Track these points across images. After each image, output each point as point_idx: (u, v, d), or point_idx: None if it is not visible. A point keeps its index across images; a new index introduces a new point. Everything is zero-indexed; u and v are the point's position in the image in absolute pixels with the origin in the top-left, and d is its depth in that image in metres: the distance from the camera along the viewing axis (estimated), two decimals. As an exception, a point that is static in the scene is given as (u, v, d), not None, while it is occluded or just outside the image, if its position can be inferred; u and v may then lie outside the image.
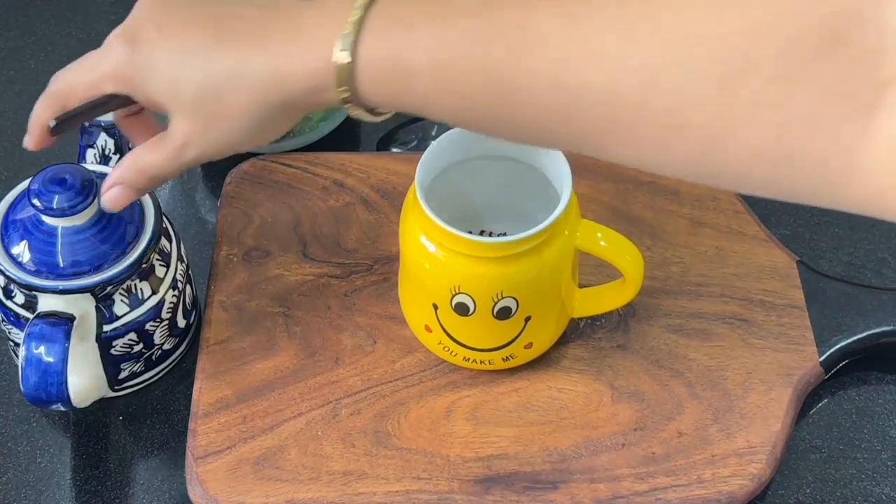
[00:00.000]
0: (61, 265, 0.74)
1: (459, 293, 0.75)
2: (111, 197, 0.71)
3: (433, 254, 0.74)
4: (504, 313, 0.76)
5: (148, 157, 0.69)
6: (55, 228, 0.74)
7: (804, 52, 0.51)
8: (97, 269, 0.74)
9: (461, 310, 0.75)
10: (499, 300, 0.75)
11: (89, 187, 0.73)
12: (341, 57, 0.60)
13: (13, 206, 0.77)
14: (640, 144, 0.55)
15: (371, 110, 0.64)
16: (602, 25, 0.54)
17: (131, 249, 0.76)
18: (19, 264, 0.74)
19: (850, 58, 0.51)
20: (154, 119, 0.73)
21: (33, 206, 0.73)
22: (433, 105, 0.60)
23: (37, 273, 0.74)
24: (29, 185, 0.74)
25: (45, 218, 0.74)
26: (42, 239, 0.74)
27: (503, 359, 0.79)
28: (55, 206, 0.73)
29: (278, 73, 0.62)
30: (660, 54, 0.53)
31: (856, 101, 0.51)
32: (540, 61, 0.56)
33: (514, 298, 0.75)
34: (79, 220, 0.74)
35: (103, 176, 0.73)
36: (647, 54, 0.53)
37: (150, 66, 0.65)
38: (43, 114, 0.70)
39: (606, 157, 0.58)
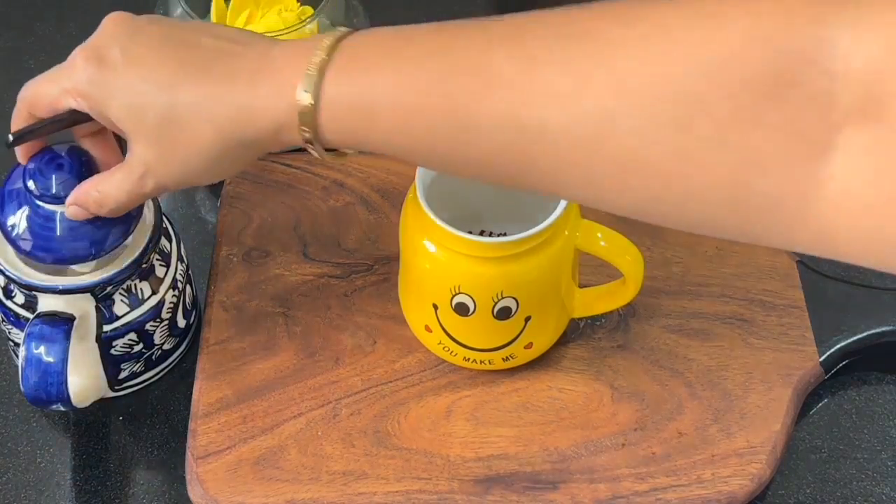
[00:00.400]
0: (61, 249, 0.73)
1: (459, 293, 0.75)
2: (73, 213, 0.72)
3: (433, 254, 0.74)
4: (504, 313, 0.76)
5: (108, 188, 0.69)
6: (53, 213, 0.73)
7: (755, 93, 0.52)
8: (98, 253, 0.73)
9: (461, 310, 0.75)
10: (499, 300, 0.75)
11: (87, 173, 0.71)
12: (303, 98, 0.61)
13: (10, 178, 0.75)
14: (598, 186, 0.57)
15: (331, 150, 0.65)
16: (560, 69, 0.55)
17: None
18: (14, 239, 0.72)
19: (801, 99, 0.52)
20: (114, 140, 0.74)
21: (29, 191, 0.72)
22: (395, 145, 0.61)
23: (32, 254, 0.72)
24: (26, 166, 0.73)
25: (41, 203, 0.72)
26: (40, 223, 0.72)
27: (503, 359, 0.79)
28: (52, 193, 0.72)
29: (242, 111, 0.63)
30: (616, 97, 0.54)
31: (808, 142, 0.52)
32: (499, 102, 0.57)
33: (514, 298, 0.75)
34: None
35: None
36: (603, 97, 0.54)
37: (112, 88, 0.66)
38: (15, 122, 0.71)
39: (566, 197, 0.59)
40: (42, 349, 0.73)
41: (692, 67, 0.53)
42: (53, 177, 0.72)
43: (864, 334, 0.82)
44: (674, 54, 0.53)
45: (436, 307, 0.76)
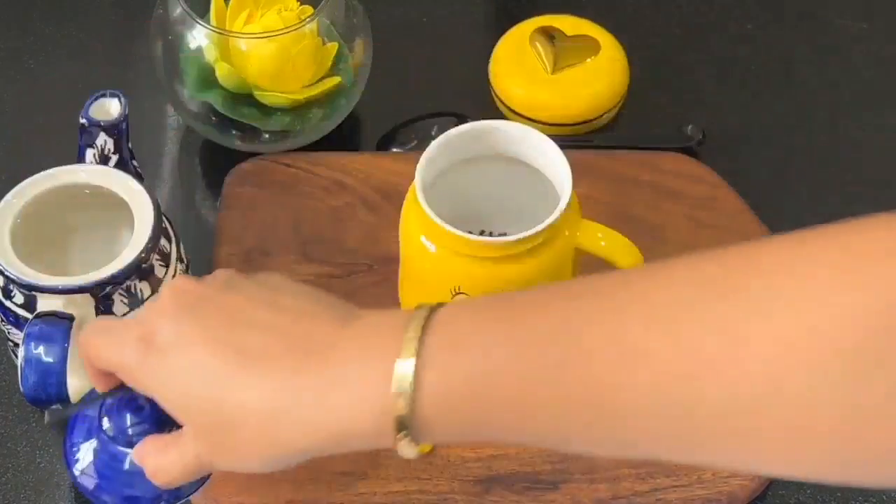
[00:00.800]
0: (126, 493, 0.67)
1: (459, 293, 0.75)
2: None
3: (433, 254, 0.74)
4: (504, 313, 0.75)
5: (162, 463, 0.61)
6: (124, 454, 0.66)
7: None
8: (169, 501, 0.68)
9: (461, 310, 0.75)
10: (499, 300, 0.75)
11: (167, 418, 0.61)
12: (403, 395, 0.53)
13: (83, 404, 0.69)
14: (762, 455, 0.51)
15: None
16: (710, 330, 0.49)
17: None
18: (73, 467, 0.67)
19: None
20: None
21: (102, 428, 0.66)
22: (517, 435, 0.54)
23: (94, 494, 0.67)
24: (104, 401, 0.66)
25: (112, 443, 0.67)
26: (108, 462, 0.67)
27: (503, 359, 0.78)
28: (127, 437, 0.65)
29: (310, 424, 0.55)
30: (781, 355, 0.48)
31: None
32: (644, 379, 0.50)
33: (514, 298, 0.75)
34: None
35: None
36: (766, 357, 0.48)
37: (158, 376, 0.58)
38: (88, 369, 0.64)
39: (719, 466, 0.54)
40: (41, 349, 0.73)
41: (856, 317, 0.47)
42: (129, 419, 0.66)
43: (865, 334, 0.81)
44: (835, 304, 0.48)
45: (436, 307, 0.76)
